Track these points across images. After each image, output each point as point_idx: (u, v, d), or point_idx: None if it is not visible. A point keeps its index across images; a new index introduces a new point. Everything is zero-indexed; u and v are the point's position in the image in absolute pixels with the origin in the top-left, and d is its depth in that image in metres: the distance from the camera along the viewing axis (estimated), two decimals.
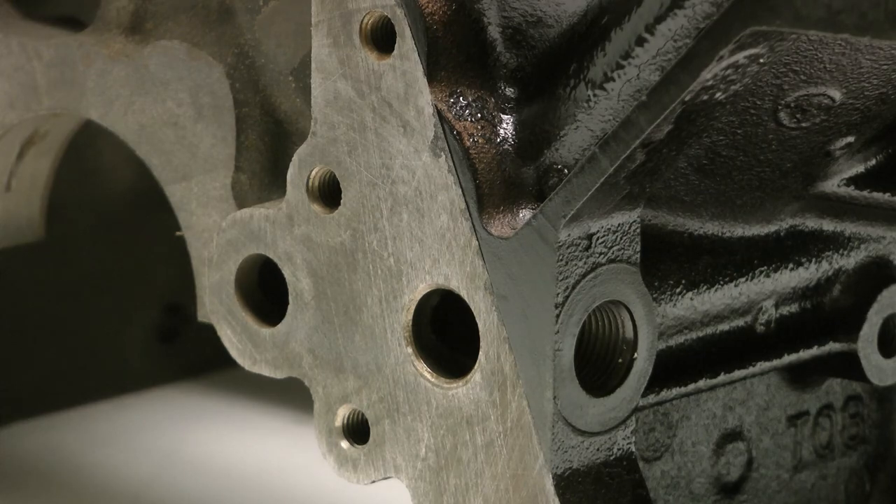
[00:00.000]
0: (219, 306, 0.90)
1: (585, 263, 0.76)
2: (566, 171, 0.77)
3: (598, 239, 0.76)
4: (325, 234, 0.84)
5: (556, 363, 0.75)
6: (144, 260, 1.43)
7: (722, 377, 0.90)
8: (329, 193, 0.84)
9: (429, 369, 0.81)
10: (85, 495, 1.26)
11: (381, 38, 0.80)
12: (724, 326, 0.92)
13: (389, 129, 0.80)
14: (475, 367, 0.78)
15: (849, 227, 0.96)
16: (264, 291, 0.90)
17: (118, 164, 1.39)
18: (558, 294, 0.75)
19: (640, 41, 0.74)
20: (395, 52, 0.79)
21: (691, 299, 0.89)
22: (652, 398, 0.87)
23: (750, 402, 0.97)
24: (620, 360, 0.79)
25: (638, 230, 0.78)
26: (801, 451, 1.00)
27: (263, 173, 0.97)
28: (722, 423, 0.96)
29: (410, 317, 0.81)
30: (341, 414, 0.85)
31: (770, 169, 0.86)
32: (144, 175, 1.05)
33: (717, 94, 0.71)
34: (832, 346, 0.96)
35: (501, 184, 0.78)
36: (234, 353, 0.90)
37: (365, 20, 0.80)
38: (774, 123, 0.82)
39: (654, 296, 0.86)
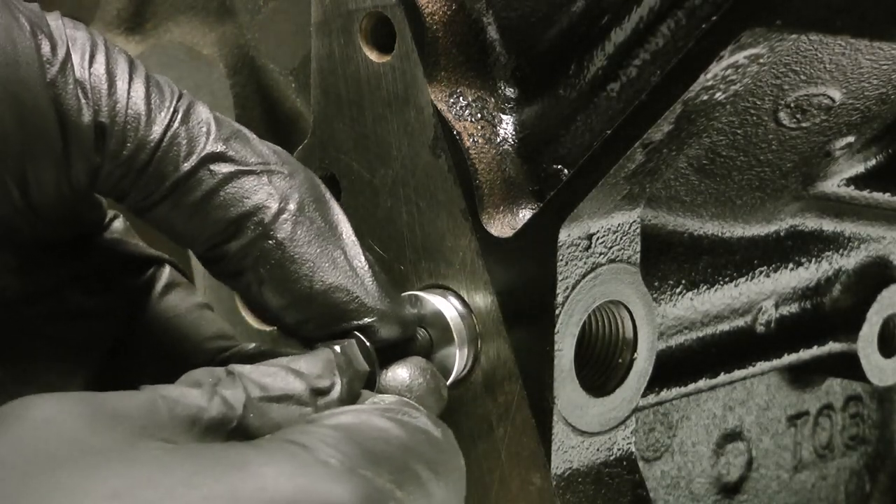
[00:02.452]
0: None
1: (585, 263, 0.76)
2: (566, 171, 0.77)
3: (598, 239, 0.76)
4: None
5: (556, 363, 0.75)
6: None
7: (722, 377, 0.90)
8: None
9: None
10: None
11: (381, 39, 0.80)
12: (725, 326, 0.92)
13: (389, 129, 0.80)
14: (475, 367, 0.78)
15: (849, 227, 0.96)
16: None
17: None
18: (558, 294, 0.75)
19: (640, 41, 0.74)
20: (395, 52, 0.79)
21: (691, 299, 0.89)
22: (652, 398, 0.87)
23: (750, 402, 0.97)
24: (620, 361, 0.79)
25: (638, 230, 0.78)
26: (801, 451, 1.00)
27: None
28: (722, 423, 0.96)
29: None
30: None
31: (770, 169, 0.86)
32: None
33: (718, 94, 0.71)
34: (832, 347, 0.96)
35: (501, 184, 0.78)
36: None
37: (365, 20, 0.80)
38: (774, 123, 0.82)
39: (655, 296, 0.86)
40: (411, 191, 0.80)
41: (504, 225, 0.77)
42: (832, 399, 1.01)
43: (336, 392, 0.66)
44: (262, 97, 0.98)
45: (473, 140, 0.78)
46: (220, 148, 0.69)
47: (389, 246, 0.81)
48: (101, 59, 0.68)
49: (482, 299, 0.77)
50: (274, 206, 0.69)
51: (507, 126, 0.80)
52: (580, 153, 0.76)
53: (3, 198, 0.67)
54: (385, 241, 0.81)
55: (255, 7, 0.96)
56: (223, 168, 0.69)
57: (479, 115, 0.79)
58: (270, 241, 0.69)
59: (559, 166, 0.78)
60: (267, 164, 0.70)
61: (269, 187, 0.69)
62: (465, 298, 0.78)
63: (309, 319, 0.70)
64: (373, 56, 0.80)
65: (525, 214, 0.78)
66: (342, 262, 0.70)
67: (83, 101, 0.67)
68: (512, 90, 0.80)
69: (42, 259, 0.73)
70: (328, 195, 0.71)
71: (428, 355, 0.74)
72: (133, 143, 0.68)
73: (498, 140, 0.79)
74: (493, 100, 0.80)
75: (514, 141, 0.79)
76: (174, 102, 0.69)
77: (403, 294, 0.76)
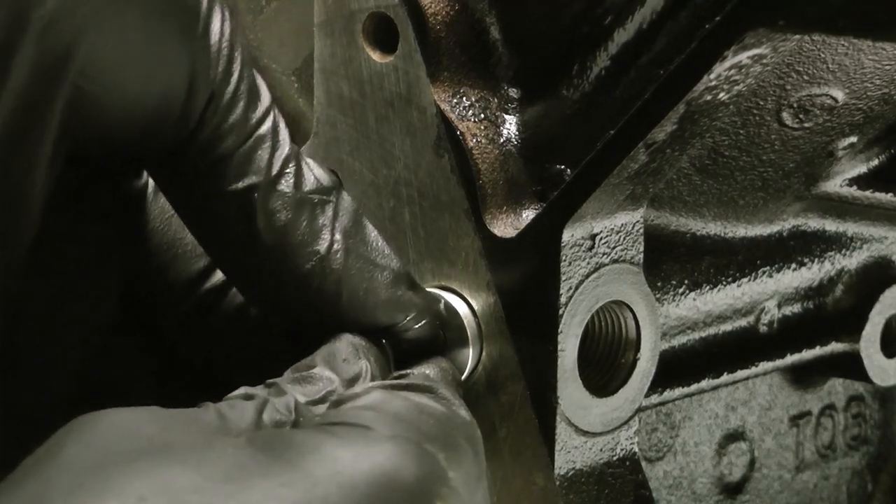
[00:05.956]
0: None
1: (588, 264, 0.76)
2: (569, 171, 0.77)
3: (601, 239, 0.76)
4: None
5: (559, 363, 0.75)
6: None
7: (725, 377, 0.90)
8: None
9: None
10: None
11: (384, 39, 0.80)
12: (727, 327, 0.92)
13: (392, 130, 0.80)
14: (478, 366, 0.78)
15: (851, 228, 0.96)
16: None
17: None
18: (561, 294, 0.75)
19: (644, 41, 0.74)
20: (398, 52, 0.79)
21: (694, 299, 0.89)
22: (655, 398, 0.87)
23: (752, 402, 0.97)
24: (623, 361, 0.79)
25: (641, 230, 0.78)
26: (803, 451, 1.00)
27: None
28: (724, 423, 0.96)
29: None
30: None
31: (773, 169, 0.86)
32: None
33: (721, 95, 0.71)
34: (834, 347, 0.96)
35: (504, 184, 0.78)
36: None
37: (367, 21, 0.80)
38: (777, 124, 0.82)
39: (657, 296, 0.86)
40: (414, 191, 0.80)
41: (507, 225, 0.77)
42: (834, 399, 1.01)
43: (367, 375, 0.68)
44: None
45: (476, 140, 0.78)
46: (290, 168, 0.68)
47: (392, 246, 0.81)
48: (228, 29, 0.66)
49: (485, 299, 0.77)
50: (327, 238, 0.69)
51: (509, 126, 0.80)
52: (583, 153, 0.76)
53: (123, 138, 0.65)
54: (388, 242, 0.81)
55: (257, 7, 0.96)
56: (287, 191, 0.68)
57: (481, 116, 0.79)
58: (328, 272, 0.69)
59: (562, 166, 0.78)
60: (319, 192, 0.69)
61: (323, 217, 0.69)
62: (468, 299, 0.78)
63: (355, 332, 0.71)
64: (375, 56, 0.80)
65: (528, 215, 0.78)
66: (390, 280, 0.71)
67: (211, 65, 0.65)
68: (515, 90, 0.80)
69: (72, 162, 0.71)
70: (362, 215, 0.71)
71: (442, 354, 0.75)
72: (228, 126, 0.66)
73: (501, 140, 0.79)
74: (495, 100, 0.80)
75: (517, 141, 0.79)
76: (268, 104, 0.68)
77: None
